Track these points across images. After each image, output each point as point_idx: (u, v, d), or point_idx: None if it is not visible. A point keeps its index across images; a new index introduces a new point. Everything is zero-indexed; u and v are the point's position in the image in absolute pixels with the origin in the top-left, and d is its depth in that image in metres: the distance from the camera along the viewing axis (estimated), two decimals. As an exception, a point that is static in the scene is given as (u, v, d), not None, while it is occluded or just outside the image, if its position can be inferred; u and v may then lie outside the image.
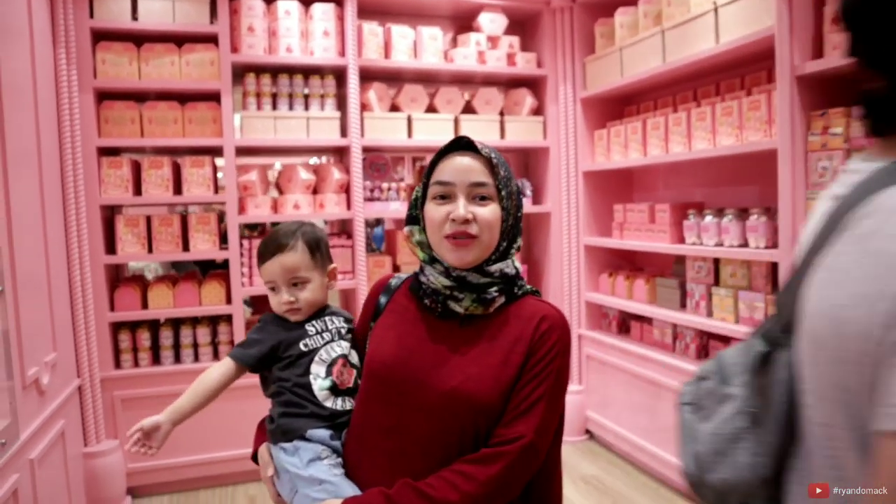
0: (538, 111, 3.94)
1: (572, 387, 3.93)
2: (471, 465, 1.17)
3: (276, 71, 3.46)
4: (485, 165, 1.26)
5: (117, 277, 3.51)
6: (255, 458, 1.49)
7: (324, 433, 1.37)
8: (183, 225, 3.36)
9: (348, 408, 1.40)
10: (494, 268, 1.27)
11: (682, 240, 3.18)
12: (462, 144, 1.29)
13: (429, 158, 4.43)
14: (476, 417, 1.20)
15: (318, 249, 1.49)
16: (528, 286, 1.35)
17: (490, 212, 1.24)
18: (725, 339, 2.99)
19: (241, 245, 3.39)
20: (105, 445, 3.17)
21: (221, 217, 3.53)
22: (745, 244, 2.78)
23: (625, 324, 3.79)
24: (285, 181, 3.51)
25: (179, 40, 3.29)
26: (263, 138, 3.38)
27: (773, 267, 2.74)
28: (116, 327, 3.33)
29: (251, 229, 4.09)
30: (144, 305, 3.33)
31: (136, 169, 3.33)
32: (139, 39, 3.25)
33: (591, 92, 3.73)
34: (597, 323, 3.93)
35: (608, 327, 3.87)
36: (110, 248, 3.30)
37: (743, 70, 3.04)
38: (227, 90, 3.28)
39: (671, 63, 3.07)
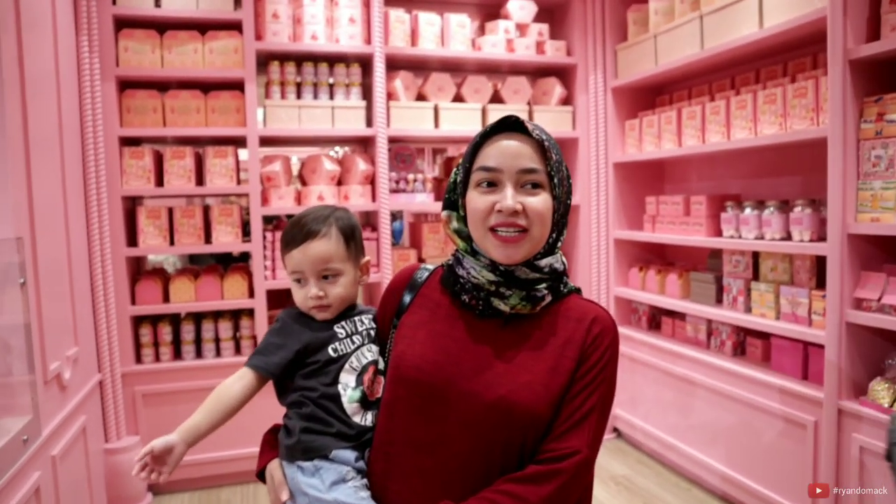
0: (567, 101, 3.84)
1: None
2: (521, 486, 1.05)
3: (300, 59, 3.38)
4: (535, 149, 1.13)
5: (138, 270, 3.45)
6: (260, 474, 1.32)
7: (349, 455, 1.21)
8: (205, 217, 3.30)
9: (373, 423, 1.25)
10: (544, 262, 1.16)
11: (719, 233, 3.07)
12: (510, 125, 1.15)
13: (451, 150, 4.39)
14: (525, 430, 1.09)
15: (352, 238, 1.33)
16: (572, 284, 1.24)
17: (541, 202, 1.12)
18: (764, 336, 2.88)
19: (265, 237, 3.31)
20: (126, 441, 3.11)
21: (245, 210, 3.46)
22: (787, 237, 2.67)
23: (655, 319, 3.69)
24: (309, 172, 3.43)
25: (203, 27, 3.22)
26: (288, 128, 3.30)
27: (818, 261, 2.62)
28: (137, 321, 3.27)
29: (267, 222, 4.02)
30: (166, 299, 3.26)
31: (158, 159, 3.27)
32: (162, 27, 3.18)
33: (622, 81, 3.62)
34: (626, 318, 3.83)
35: (637, 323, 3.77)
36: (132, 240, 3.24)
37: (786, 56, 2.92)
38: (251, 78, 3.20)
39: (710, 49, 2.95)
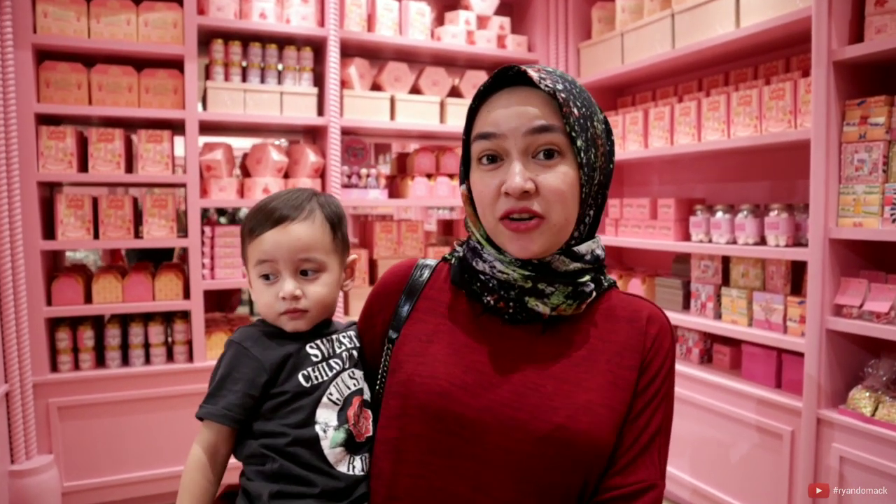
0: (528, 98, 3.70)
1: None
2: None
3: (247, 39, 3.09)
4: (545, 102, 0.87)
5: (55, 267, 3.06)
6: None
7: None
8: (135, 208, 2.95)
9: (366, 471, 0.98)
10: (584, 248, 0.92)
11: (687, 237, 2.99)
12: (511, 77, 0.89)
13: (412, 146, 4.15)
14: (591, 464, 0.86)
15: (339, 228, 1.06)
16: (610, 276, 1.02)
17: (560, 177, 0.87)
18: (735, 343, 2.81)
19: (203, 232, 3.00)
20: (37, 462, 2.73)
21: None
22: (761, 242, 2.62)
23: (614, 326, 3.59)
24: (254, 163, 3.14)
25: (137, -4, 2.89)
26: (232, 113, 3.01)
27: (794, 266, 2.58)
28: (53, 324, 2.88)
29: (204, 216, 3.69)
30: (88, 299, 2.90)
31: (82, 141, 2.90)
32: (89, -8, 2.83)
33: (584, 80, 3.52)
34: (583, 325, 3.72)
35: (596, 329, 3.66)
36: (48, 232, 2.86)
37: (757, 59, 2.88)
38: (192, 57, 2.89)
39: (681, 49, 2.88)
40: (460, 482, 0.86)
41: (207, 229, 3.02)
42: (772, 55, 2.82)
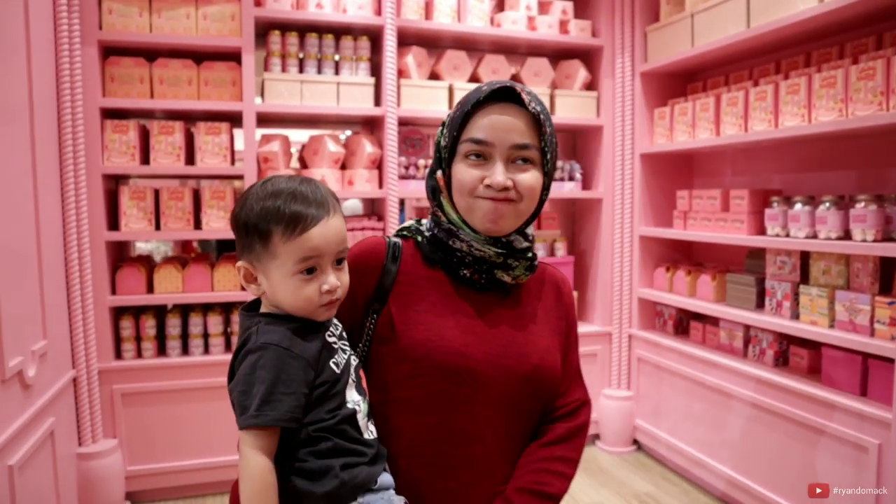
0: (591, 86, 3.55)
1: (619, 392, 3.56)
2: (561, 447, 1.13)
3: (303, 30, 3.08)
4: (529, 123, 1.07)
5: (121, 257, 3.14)
6: None
7: (387, 477, 1.04)
8: (195, 200, 2.99)
9: (376, 433, 1.08)
10: (529, 231, 1.17)
11: (761, 231, 2.79)
12: (503, 93, 1.08)
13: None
14: (551, 392, 1.16)
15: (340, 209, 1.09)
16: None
17: (533, 178, 1.09)
18: (814, 345, 2.60)
19: (260, 224, 3.01)
20: (102, 445, 2.81)
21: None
22: (846, 236, 2.40)
23: (682, 324, 3.41)
24: (311, 154, 3.13)
25: (197, -10, 2.91)
26: (289, 104, 3.00)
27: (883, 263, 2.35)
28: (118, 313, 2.97)
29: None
30: (150, 289, 2.96)
31: (144, 135, 2.96)
32: (151, -12, 2.87)
33: (652, 65, 3.34)
34: (649, 322, 3.55)
35: (662, 327, 3.49)
36: (113, 223, 2.93)
37: (843, 37, 2.64)
38: (250, 49, 2.90)
39: (758, 28, 2.67)
40: (471, 422, 1.07)
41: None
42: (860, 31, 2.58)
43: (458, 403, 1.06)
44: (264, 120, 3.18)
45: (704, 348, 3.10)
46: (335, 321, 1.09)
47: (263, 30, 3.07)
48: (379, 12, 3.09)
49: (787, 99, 2.58)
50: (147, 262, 3.15)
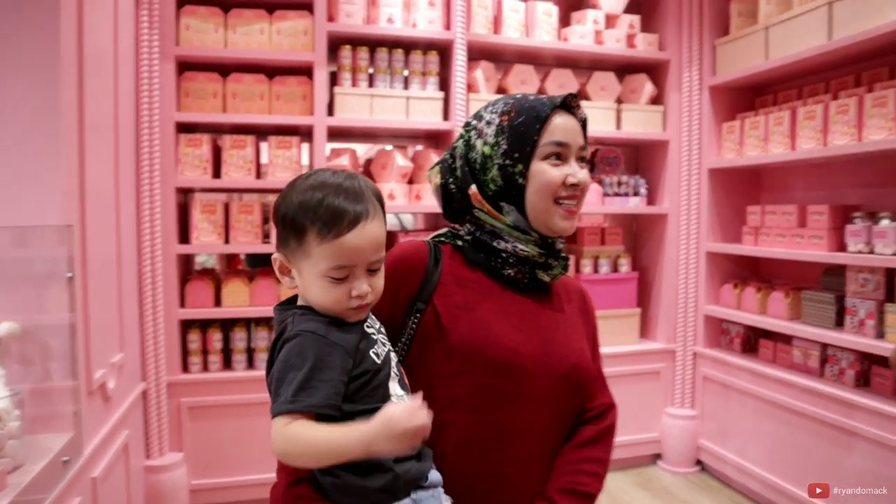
0: (657, 100, 3.51)
1: (683, 411, 3.48)
2: (592, 448, 1.16)
3: (373, 44, 3.09)
4: (580, 128, 1.18)
5: (187, 270, 3.16)
6: None
7: (435, 474, 1.04)
8: (264, 213, 3.00)
9: None
10: None
11: (842, 247, 2.72)
12: (565, 103, 1.17)
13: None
14: (587, 391, 1.20)
15: (384, 211, 1.03)
16: None
17: (587, 174, 1.18)
18: (902, 367, 2.51)
19: (327, 238, 3.00)
20: (169, 458, 2.81)
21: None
22: (939, 254, 2.32)
23: (750, 342, 3.33)
24: (379, 168, 3.13)
25: (270, 6, 2.93)
26: (358, 118, 3.00)
27: (982, 282, 2.27)
28: (185, 326, 2.97)
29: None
30: (217, 303, 2.96)
31: (216, 148, 2.98)
32: (227, 4, 2.90)
33: (722, 78, 3.29)
34: (715, 340, 3.47)
35: (729, 345, 3.41)
36: (183, 236, 2.95)
37: (931, 49, 2.58)
38: (321, 63, 2.91)
39: (840, 41, 2.61)
40: (517, 419, 1.10)
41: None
42: (951, 44, 2.51)
43: (505, 401, 1.09)
44: (331, 134, 3.19)
45: (776, 367, 3.01)
46: (372, 316, 1.07)
47: (334, 44, 3.08)
48: (448, 27, 3.09)
49: (872, 112, 2.52)
50: (213, 275, 3.15)
